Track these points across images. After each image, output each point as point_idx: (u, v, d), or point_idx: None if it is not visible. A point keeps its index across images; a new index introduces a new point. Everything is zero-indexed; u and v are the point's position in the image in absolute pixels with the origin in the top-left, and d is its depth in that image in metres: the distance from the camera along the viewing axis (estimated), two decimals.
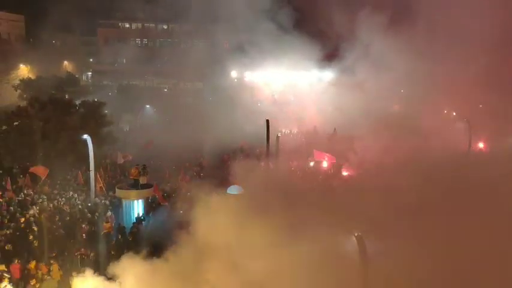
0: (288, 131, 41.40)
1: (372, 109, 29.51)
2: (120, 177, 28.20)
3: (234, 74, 52.16)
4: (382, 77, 30.94)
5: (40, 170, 24.26)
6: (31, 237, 18.30)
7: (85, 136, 24.46)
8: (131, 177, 22.86)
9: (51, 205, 22.01)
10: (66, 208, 21.79)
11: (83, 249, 17.86)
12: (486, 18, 21.63)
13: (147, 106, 48.11)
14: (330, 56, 41.23)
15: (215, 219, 12.89)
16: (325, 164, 26.90)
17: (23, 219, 19.68)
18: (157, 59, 58.29)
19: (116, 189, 23.05)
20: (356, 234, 11.49)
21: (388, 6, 29.86)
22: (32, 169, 24.50)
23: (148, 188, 22.67)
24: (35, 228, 18.90)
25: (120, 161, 29.39)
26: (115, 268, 13.52)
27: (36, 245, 18.00)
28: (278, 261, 11.53)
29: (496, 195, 12.43)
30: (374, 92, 31.09)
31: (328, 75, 45.96)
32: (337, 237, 11.81)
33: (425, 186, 13.32)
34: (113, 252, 17.50)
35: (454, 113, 34.24)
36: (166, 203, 22.48)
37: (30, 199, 22.64)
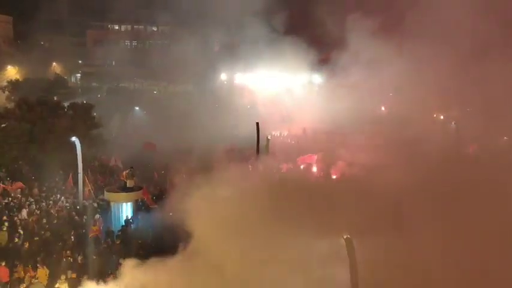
0: (278, 134, 41.47)
1: (360, 111, 29.72)
2: (110, 179, 28.02)
3: (224, 76, 52.14)
4: (372, 80, 31.14)
5: (18, 185, 24.08)
6: (17, 240, 18.09)
7: (73, 138, 24.30)
8: (122, 178, 22.72)
9: (39, 208, 21.80)
10: (54, 211, 21.59)
11: (70, 252, 17.69)
12: (472, 21, 21.87)
13: (137, 108, 47.87)
14: (322, 60, 41.40)
15: (203, 221, 12.86)
16: (315, 169, 27.00)
17: (8, 223, 19.44)
18: (147, 61, 58.03)
19: (105, 191, 22.92)
20: (345, 237, 11.51)
21: (377, 10, 30.07)
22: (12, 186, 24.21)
23: (138, 190, 22.54)
24: (21, 232, 18.70)
25: (113, 163, 29.27)
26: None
27: (23, 248, 17.82)
28: (265, 263, 11.54)
29: (486, 197, 12.55)
30: (363, 95, 31.21)
31: (318, 78, 46.17)
32: (326, 239, 11.79)
33: (415, 187, 13.46)
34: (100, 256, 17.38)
35: (442, 117, 34.57)
36: (156, 206, 22.37)
37: (17, 202, 22.41)
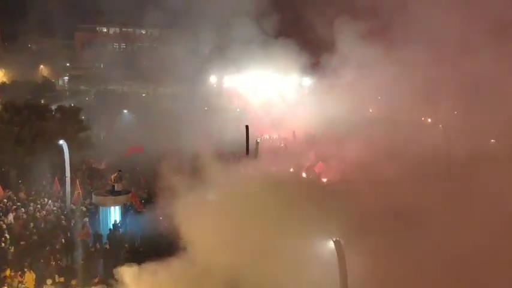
0: (268, 137, 41.46)
1: (349, 114, 29.91)
2: (98, 183, 27.86)
3: (213, 79, 52.04)
4: (360, 83, 31.34)
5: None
6: (3, 245, 17.91)
7: (61, 142, 24.15)
8: (110, 182, 22.66)
9: (26, 212, 21.60)
10: (42, 215, 21.41)
11: (57, 256, 17.57)
12: (459, 22, 22.16)
13: (125, 111, 47.64)
14: (312, 63, 41.57)
15: (193, 225, 12.88)
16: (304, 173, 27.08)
17: None
18: (136, 64, 57.81)
19: (93, 195, 22.82)
20: (334, 239, 11.60)
21: (365, 13, 30.29)
22: None
23: (126, 194, 22.46)
24: (7, 236, 18.52)
25: (101, 166, 29.10)
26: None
27: (10, 252, 17.64)
28: (257, 265, 11.58)
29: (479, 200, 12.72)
30: (352, 98, 31.40)
31: (308, 81, 46.30)
32: (315, 241, 11.85)
33: (405, 191, 13.60)
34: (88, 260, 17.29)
35: (430, 119, 34.89)
36: (144, 210, 22.29)
37: (4, 206, 22.19)
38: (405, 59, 26.35)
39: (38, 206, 22.67)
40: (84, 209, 22.72)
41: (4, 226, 19.48)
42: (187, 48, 46.75)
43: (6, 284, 15.24)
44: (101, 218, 21.97)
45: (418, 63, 25.79)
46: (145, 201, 23.68)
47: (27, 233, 19.21)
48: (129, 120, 46.30)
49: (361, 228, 11.81)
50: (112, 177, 22.63)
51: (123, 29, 66.27)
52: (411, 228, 12.20)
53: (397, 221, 12.54)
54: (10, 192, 24.37)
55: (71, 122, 29.88)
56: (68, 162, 23.98)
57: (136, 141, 34.12)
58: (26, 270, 16.00)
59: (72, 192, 24.00)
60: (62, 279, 15.48)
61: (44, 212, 21.92)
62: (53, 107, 31.75)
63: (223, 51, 44.56)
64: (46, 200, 23.73)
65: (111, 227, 20.99)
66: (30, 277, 15.64)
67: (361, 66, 31.07)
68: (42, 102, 37.86)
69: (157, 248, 17.48)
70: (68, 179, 23.84)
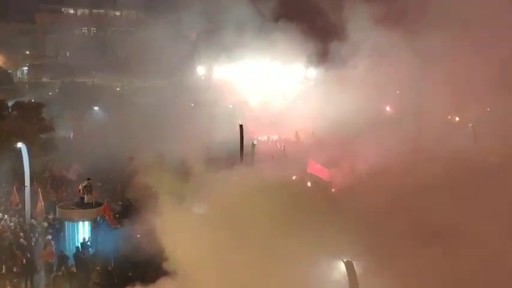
0: (266, 138, 41.55)
1: (362, 111, 29.94)
2: (63, 194, 27.78)
3: (201, 70, 52.08)
4: (377, 75, 31.42)
5: None
6: None
7: (19, 144, 24.07)
8: (78, 193, 22.63)
9: None
10: None
11: (16, 281, 17.50)
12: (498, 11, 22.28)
13: (96, 108, 47.54)
14: (320, 51, 41.63)
15: (178, 243, 12.90)
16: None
17: None
18: (109, 52, 57.79)
19: (57, 208, 22.72)
20: (345, 260, 11.78)
21: None
22: None
23: (97, 207, 22.41)
24: None
25: (73, 176, 28.96)
26: None
27: None
28: None
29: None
30: (366, 93, 31.45)
31: (313, 72, 46.43)
32: (325, 262, 11.92)
33: (425, 207, 13.69)
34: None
35: (458, 118, 34.97)
36: (119, 225, 22.26)
37: None
38: (429, 47, 26.46)
39: None
40: (46, 224, 22.57)
41: None
42: (170, 34, 46.83)
43: None
44: (66, 236, 21.84)
45: (445, 51, 25.89)
46: (120, 215, 23.61)
47: None
48: (101, 119, 46.19)
49: (381, 247, 11.84)
50: (80, 186, 22.55)
51: (94, 11, 66.21)
52: (443, 247, 12.33)
53: (423, 238, 12.62)
54: None
55: (31, 121, 29.78)
56: (28, 168, 23.86)
57: (110, 144, 34.06)
58: None
59: (33, 205, 23.84)
60: None
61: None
62: (10, 103, 31.65)
63: (213, 37, 44.65)
64: (1, 214, 23.53)
65: (79, 246, 20.87)
66: None
67: (377, 55, 31.12)
68: None
69: (135, 271, 17.48)
70: (27, 189, 23.73)
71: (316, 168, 27.21)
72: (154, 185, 28.70)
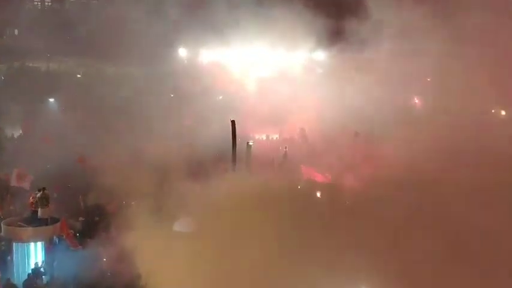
0: (264, 137, 41.49)
1: (383, 104, 30.02)
2: (9, 207, 27.63)
3: (183, 52, 51.98)
4: (402, 60, 31.40)
5: None
6: None
7: None
8: (29, 206, 22.59)
9: None
10: None
11: None
12: None
13: (52, 100, 47.39)
14: (331, 30, 41.58)
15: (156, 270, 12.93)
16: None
17: None
18: (68, 30, 57.55)
19: (2, 225, 22.63)
20: None
21: None
22: None
23: (53, 223, 22.27)
24: None
25: (16, 183, 28.76)
26: None
27: None
28: None
29: None
30: (388, 81, 31.45)
31: (322, 56, 46.39)
32: None
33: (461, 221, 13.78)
34: None
35: (503, 112, 35.00)
36: (80, 247, 22.19)
37: None
38: (467, 25, 26.51)
39: None
40: None
41: None
42: (146, 8, 46.70)
43: None
44: (15, 260, 21.77)
45: (486, 30, 25.96)
46: (82, 234, 23.55)
47: None
48: (58, 113, 46.06)
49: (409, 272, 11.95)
50: (32, 198, 22.43)
51: None
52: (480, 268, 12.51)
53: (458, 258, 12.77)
54: None
55: None
56: None
57: (68, 145, 33.99)
58: None
59: None
60: None
61: None
62: None
63: (199, 13, 44.51)
64: None
65: (31, 273, 20.76)
66: None
67: (404, 35, 31.11)
68: None
69: None
70: None
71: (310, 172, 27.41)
72: (124, 196, 28.85)
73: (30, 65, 57.01)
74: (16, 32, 61.01)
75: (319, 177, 27.65)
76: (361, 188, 24.02)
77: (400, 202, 17.32)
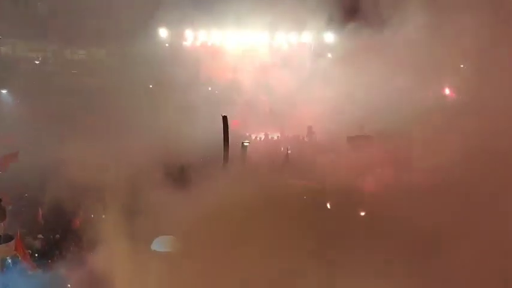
0: (263, 137, 41.72)
1: (409, 97, 30.00)
2: None
3: (164, 33, 52.03)
4: (431, 43, 31.42)
5: None
6: None
7: None
8: None
9: None
10: None
11: None
12: None
13: (3, 92, 47.39)
14: (343, 8, 41.64)
15: None
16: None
17: None
18: (22, 6, 57.54)
19: None
20: None
21: None
22: None
23: (6, 241, 22.33)
24: None
25: None
26: None
27: None
28: None
29: None
30: (412, 68, 31.46)
31: (332, 38, 46.48)
32: None
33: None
34: None
35: None
36: (38, 270, 22.16)
37: None
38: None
39: None
40: None
41: None
42: None
43: None
44: None
45: None
46: (41, 255, 23.54)
47: None
48: (12, 108, 46.04)
49: None
50: None
51: None
52: None
53: None
54: None
55: None
56: None
57: (23, 146, 33.94)
58: None
59: None
60: None
61: None
62: None
63: None
64: None
65: None
66: None
67: (433, 12, 31.13)
68: None
69: None
70: None
71: None
72: (93, 208, 28.83)
73: None
74: None
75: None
76: (378, 195, 24.08)
77: (436, 212, 17.47)
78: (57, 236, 25.74)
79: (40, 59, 59.35)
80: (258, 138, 41.24)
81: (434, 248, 16.10)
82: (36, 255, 23.53)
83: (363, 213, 23.78)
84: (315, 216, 20.72)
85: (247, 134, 40.03)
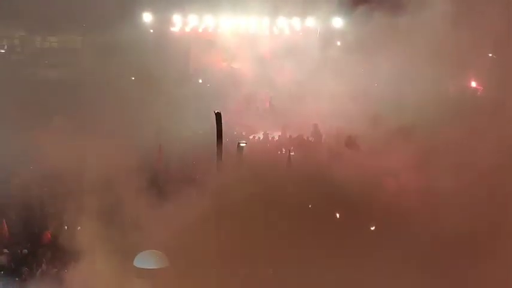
0: (261, 136, 41.92)
1: (430, 92, 29.96)
2: None
3: (148, 18, 52.09)
4: (454, 27, 31.38)
5: None
6: None
7: None
8: None
9: None
10: None
11: None
12: None
13: None
14: None
15: None
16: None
17: None
18: None
19: None
20: None
21: None
22: None
23: None
24: None
25: None
26: None
27: None
28: None
29: None
30: (436, 56, 31.40)
31: (342, 23, 46.54)
32: None
33: None
34: None
35: None
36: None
37: None
38: None
39: None
40: None
41: None
42: None
43: None
44: None
45: None
46: (7, 272, 23.65)
47: None
48: None
49: None
50: None
51: None
52: None
53: None
54: None
55: None
56: None
57: None
58: None
59: None
60: None
61: None
62: None
63: None
64: None
65: None
66: None
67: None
68: None
69: None
70: None
71: None
72: (66, 219, 28.76)
73: None
74: None
75: None
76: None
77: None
78: (25, 250, 25.63)
79: (6, 47, 59.45)
80: (256, 138, 41.03)
81: (463, 251, 16.21)
82: (1, 272, 23.48)
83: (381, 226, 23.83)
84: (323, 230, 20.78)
85: (244, 134, 40.03)
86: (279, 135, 42.09)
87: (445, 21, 31.56)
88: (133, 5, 48.96)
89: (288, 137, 41.29)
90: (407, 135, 26.76)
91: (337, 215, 26.15)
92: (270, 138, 42.37)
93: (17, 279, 22.94)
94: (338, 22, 46.82)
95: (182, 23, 50.54)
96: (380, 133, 29.55)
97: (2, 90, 44.50)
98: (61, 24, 51.41)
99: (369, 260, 16.04)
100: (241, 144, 29.46)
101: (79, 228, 25.83)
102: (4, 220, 28.28)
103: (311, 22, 46.89)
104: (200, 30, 48.94)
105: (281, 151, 38.76)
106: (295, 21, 46.95)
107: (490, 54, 33.08)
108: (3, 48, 59.42)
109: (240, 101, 38.97)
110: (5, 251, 26.00)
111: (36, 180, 28.59)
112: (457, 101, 28.31)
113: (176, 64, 43.44)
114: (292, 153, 36.74)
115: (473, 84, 36.76)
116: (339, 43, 45.26)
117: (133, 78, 44.62)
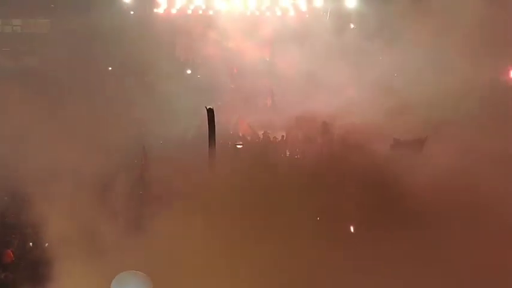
0: (261, 136, 41.68)
1: (460, 84, 29.87)
2: None
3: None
4: (487, 14, 31.34)
5: None
6: None
7: None
8: None
9: None
10: None
11: None
12: None
13: None
14: None
15: None
16: None
17: None
18: None
19: None
20: None
21: None
22: None
23: None
24: None
25: None
26: None
27: None
28: None
29: None
30: (471, 43, 31.29)
31: (355, 3, 46.53)
32: None
33: None
34: None
35: None
36: None
37: None
38: None
39: None
40: None
41: None
42: None
43: None
44: None
45: None
46: None
47: None
48: None
49: None
50: None
51: None
52: None
53: None
54: None
55: None
56: None
57: None
58: None
59: None
60: None
61: None
62: None
63: None
64: None
65: None
66: None
67: None
68: None
69: None
70: None
71: None
72: (30, 232, 28.66)
73: None
74: None
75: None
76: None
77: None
78: (1, 275, 25.58)
79: None
80: (255, 139, 40.94)
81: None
82: None
83: None
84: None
85: (241, 134, 39.98)
86: (283, 135, 41.95)
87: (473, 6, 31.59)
88: None
89: (292, 137, 41.15)
90: (446, 136, 26.66)
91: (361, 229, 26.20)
92: (271, 139, 42.22)
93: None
94: (351, 1, 46.86)
95: (168, 3, 50.61)
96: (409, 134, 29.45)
97: None
98: (26, 6, 51.50)
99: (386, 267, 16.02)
100: (238, 146, 29.37)
101: (46, 244, 25.82)
102: None
103: (319, 1, 46.92)
104: (189, 11, 48.98)
105: (284, 154, 38.73)
106: (301, 1, 46.96)
107: None
108: None
109: (236, 95, 38.86)
110: None
111: (13, 188, 28.59)
112: (497, 94, 28.22)
113: (161, 52, 43.48)
114: (297, 156, 36.74)
115: None
116: (352, 26, 45.31)
117: (110, 68, 44.56)
